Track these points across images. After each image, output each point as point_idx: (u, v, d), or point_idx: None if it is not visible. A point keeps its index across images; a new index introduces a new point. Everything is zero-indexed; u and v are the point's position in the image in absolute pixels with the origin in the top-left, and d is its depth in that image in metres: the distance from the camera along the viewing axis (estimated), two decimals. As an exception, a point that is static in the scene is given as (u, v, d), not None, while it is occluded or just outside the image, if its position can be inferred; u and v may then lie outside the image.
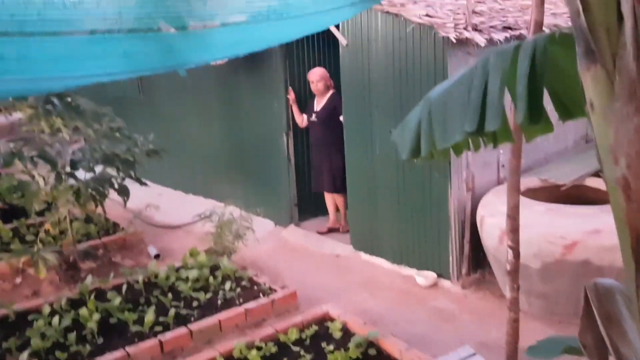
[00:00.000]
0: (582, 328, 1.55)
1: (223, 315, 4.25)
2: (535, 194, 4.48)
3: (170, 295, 4.57)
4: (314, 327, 4.00)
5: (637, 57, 1.14)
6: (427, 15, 4.56)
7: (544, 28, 2.69)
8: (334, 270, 5.33)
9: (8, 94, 3.74)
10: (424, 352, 3.63)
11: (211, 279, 4.79)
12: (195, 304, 4.47)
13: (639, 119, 1.15)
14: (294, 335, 3.88)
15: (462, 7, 4.79)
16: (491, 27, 4.60)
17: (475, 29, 4.45)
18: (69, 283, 5.13)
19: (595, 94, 1.21)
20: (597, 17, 1.17)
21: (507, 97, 1.53)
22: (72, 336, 4.00)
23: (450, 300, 4.60)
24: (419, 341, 3.93)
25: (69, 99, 4.92)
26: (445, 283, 4.79)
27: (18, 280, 5.33)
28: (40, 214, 5.88)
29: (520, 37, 4.62)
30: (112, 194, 5.18)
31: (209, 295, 4.58)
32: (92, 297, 4.45)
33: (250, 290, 4.65)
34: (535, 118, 1.41)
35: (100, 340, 4.02)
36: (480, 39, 4.32)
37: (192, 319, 4.24)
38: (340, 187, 5.82)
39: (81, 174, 5.06)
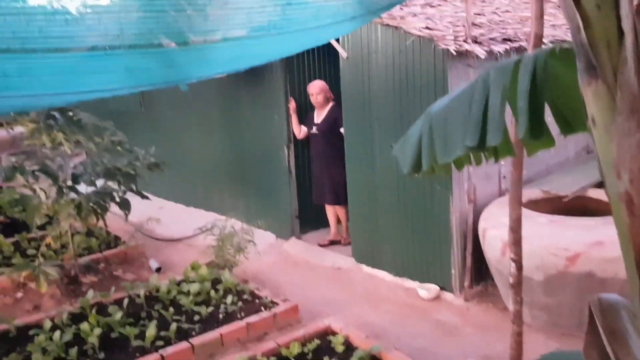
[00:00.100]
0: (587, 344, 1.54)
1: (225, 329, 4.22)
2: (537, 205, 4.47)
3: (171, 309, 4.55)
4: (316, 341, 3.97)
5: (638, 73, 1.14)
6: (426, 27, 4.58)
7: (543, 40, 2.70)
8: (335, 283, 5.31)
9: (10, 109, 3.76)
10: (427, 366, 3.61)
11: (213, 292, 4.77)
12: (196, 317, 4.45)
13: (641, 134, 1.15)
14: (296, 349, 3.85)
15: (461, 20, 4.81)
16: (491, 39, 4.62)
17: (475, 41, 4.46)
18: (70, 297, 5.11)
19: (597, 109, 1.21)
20: (597, 32, 1.17)
21: (508, 111, 1.53)
22: (74, 351, 3.97)
23: (453, 313, 4.57)
24: (422, 355, 3.91)
25: (71, 113, 4.94)
26: (447, 296, 4.77)
27: (19, 294, 5.31)
28: (42, 227, 5.88)
29: (520, 49, 4.63)
30: (114, 207, 5.18)
31: (210, 309, 4.56)
32: (94, 311, 4.43)
33: (252, 303, 4.63)
34: (537, 133, 1.41)
35: (101, 355, 4.00)
36: (480, 51, 4.33)
37: (194, 333, 4.22)
38: (341, 199, 5.82)
39: (83, 187, 5.07)
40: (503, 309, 4.45)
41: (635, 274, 1.22)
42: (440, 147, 1.61)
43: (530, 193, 4.61)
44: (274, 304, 4.57)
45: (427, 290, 4.79)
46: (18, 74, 2.26)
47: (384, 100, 4.92)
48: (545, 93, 1.41)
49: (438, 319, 4.50)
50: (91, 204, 4.94)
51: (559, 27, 5.28)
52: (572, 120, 1.60)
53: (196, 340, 4.07)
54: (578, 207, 4.49)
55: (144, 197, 5.40)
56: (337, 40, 5.16)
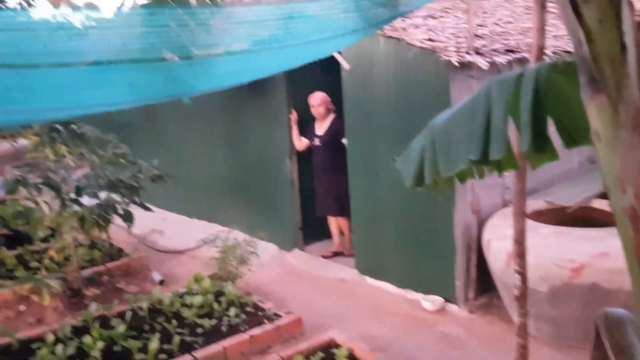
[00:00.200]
0: (593, 358, 1.53)
1: (228, 342, 4.20)
2: (541, 216, 4.45)
3: (174, 322, 4.52)
4: (320, 354, 3.94)
5: (641, 87, 1.14)
6: (429, 39, 4.59)
7: (545, 51, 2.71)
8: (339, 295, 5.28)
9: (14, 123, 3.78)
10: (432, 379, 3.58)
11: (216, 305, 4.75)
12: (199, 330, 4.43)
13: (645, 149, 1.14)
14: (299, 362, 3.83)
15: (463, 31, 4.83)
16: (493, 50, 4.62)
17: (477, 52, 4.47)
18: (73, 310, 5.09)
19: (601, 123, 1.21)
20: (600, 47, 1.17)
21: (511, 124, 1.52)
22: (76, 365, 3.96)
23: (457, 325, 4.54)
24: (427, 367, 3.88)
25: (74, 126, 4.96)
26: (452, 307, 4.74)
27: (22, 307, 5.30)
28: (45, 240, 5.87)
29: (522, 60, 4.63)
30: (117, 219, 5.18)
31: (213, 321, 4.54)
32: (96, 324, 4.42)
33: (255, 316, 4.61)
34: (540, 147, 1.40)
35: (104, 369, 3.99)
36: (482, 62, 4.34)
37: (197, 346, 4.20)
38: (344, 211, 5.81)
39: (86, 200, 5.07)
40: (508, 320, 4.42)
41: (641, 289, 1.21)
42: (443, 161, 1.61)
43: (534, 204, 4.59)
44: (278, 316, 4.55)
45: (432, 302, 4.76)
46: (22, 89, 2.27)
47: (386, 111, 4.92)
48: (548, 107, 1.40)
49: (443, 331, 4.47)
50: (94, 217, 4.94)
51: (560, 38, 5.28)
52: (576, 133, 1.60)
53: (199, 354, 4.05)
54: (582, 217, 4.47)
55: (147, 209, 5.40)
56: (340, 52, 5.17)
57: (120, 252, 6.28)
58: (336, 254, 6.09)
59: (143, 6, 2.72)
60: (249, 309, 4.71)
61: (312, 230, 6.36)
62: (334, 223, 6.09)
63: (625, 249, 1.27)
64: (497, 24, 5.60)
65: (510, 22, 5.80)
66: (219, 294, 4.94)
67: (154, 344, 4.11)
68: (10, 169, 9.28)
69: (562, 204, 4.60)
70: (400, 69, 4.74)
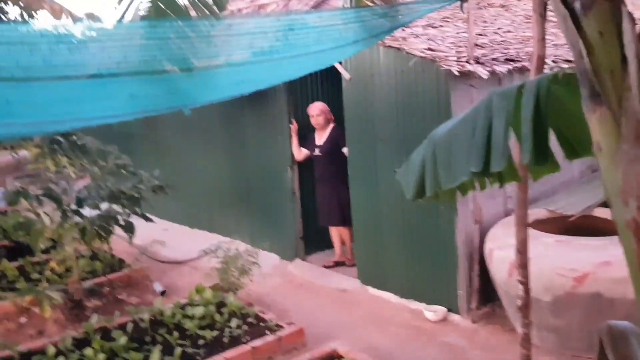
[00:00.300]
0: (598, 372, 1.51)
1: (229, 353, 4.17)
2: (543, 225, 4.44)
3: (176, 333, 4.50)
4: (322, 365, 3.93)
5: (643, 99, 1.14)
6: (429, 48, 4.60)
7: (546, 60, 2.71)
8: (341, 306, 5.26)
9: (14, 136, 3.78)
10: (435, 390, 3.55)
11: (217, 316, 4.73)
12: (201, 342, 4.40)
13: (647, 161, 1.13)
14: (301, 374, 3.81)
15: (463, 40, 4.83)
16: (493, 59, 4.63)
17: (478, 61, 4.47)
18: (74, 322, 5.07)
19: (602, 135, 1.20)
20: (600, 59, 1.17)
21: (512, 135, 1.52)
22: (77, 378, 3.94)
23: (460, 335, 4.51)
24: (430, 378, 3.85)
25: (75, 138, 4.96)
26: (455, 317, 4.71)
27: (23, 319, 5.28)
28: (46, 251, 5.86)
29: (522, 69, 4.64)
30: (118, 230, 5.17)
31: (215, 333, 4.51)
32: (98, 336, 4.40)
33: (257, 327, 4.59)
34: (542, 159, 1.40)
35: (105, 382, 3.96)
36: (482, 72, 4.34)
37: (199, 357, 4.17)
38: (346, 221, 5.80)
39: (87, 211, 5.06)
40: (511, 330, 4.39)
41: (645, 302, 1.20)
42: (444, 173, 1.60)
43: (536, 213, 4.58)
44: (279, 327, 4.53)
45: (434, 312, 4.74)
46: (22, 102, 2.27)
47: (387, 121, 4.92)
48: (549, 118, 1.40)
49: (445, 341, 4.45)
50: (95, 228, 4.93)
51: (561, 47, 5.29)
52: (577, 145, 1.59)
53: (201, 366, 4.03)
54: (584, 226, 4.46)
55: (148, 219, 5.40)
56: (340, 62, 5.18)
57: (121, 263, 6.26)
58: (338, 264, 6.07)
59: (144, 18, 2.73)
60: (250, 319, 4.69)
61: (314, 240, 6.34)
62: (336, 233, 6.08)
63: (628, 262, 1.26)
64: (497, 33, 5.61)
65: (510, 31, 5.81)
66: (220, 305, 4.92)
67: (155, 355, 4.08)
68: (11, 180, 9.30)
69: (564, 213, 4.58)
70: (400, 79, 4.75)
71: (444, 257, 4.69)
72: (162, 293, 5.71)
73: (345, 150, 5.57)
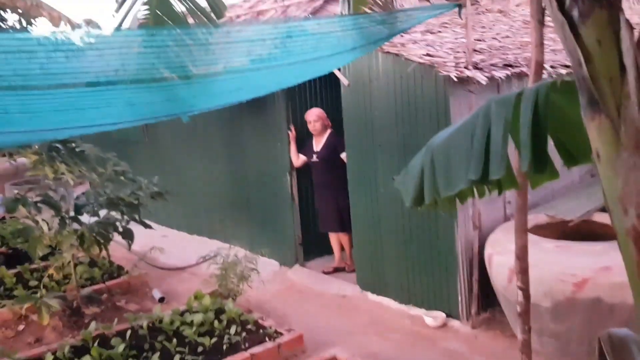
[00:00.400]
0: (598, 380, 1.50)
1: (228, 360, 4.16)
2: (543, 230, 4.43)
3: (175, 340, 4.48)
4: (322, 372, 3.91)
5: (641, 107, 1.13)
6: (427, 54, 4.60)
7: (544, 65, 2.71)
8: (340, 312, 5.25)
9: (12, 144, 3.77)
10: (435, 397, 3.53)
11: (216, 322, 4.71)
12: (200, 349, 4.38)
13: (647, 169, 1.13)
14: (301, 381, 3.79)
15: (462, 46, 4.84)
16: (492, 65, 4.63)
17: (476, 67, 4.48)
18: (73, 329, 5.05)
19: (601, 143, 1.20)
20: (599, 67, 1.16)
21: (510, 143, 1.51)
22: (75, 386, 3.92)
23: (460, 341, 4.50)
24: (430, 385, 3.84)
25: (73, 145, 4.95)
26: (454, 323, 4.70)
27: (21, 327, 5.26)
28: (44, 258, 5.84)
29: (521, 74, 4.64)
30: (117, 237, 5.16)
31: (214, 339, 4.49)
32: (96, 343, 4.38)
33: (256, 334, 4.57)
34: (540, 166, 1.39)
35: (103, 390, 3.94)
36: (481, 77, 4.34)
37: (197, 365, 4.16)
38: (345, 226, 5.79)
39: (85, 218, 5.05)
40: (511, 335, 4.38)
41: (646, 311, 1.19)
42: (442, 181, 1.60)
43: (535, 218, 4.57)
44: (279, 334, 4.51)
45: (434, 317, 4.73)
46: (20, 110, 2.26)
47: (386, 127, 4.92)
48: (548, 126, 1.39)
49: (445, 347, 4.43)
50: (94, 235, 4.92)
51: (559, 52, 5.30)
52: (576, 152, 1.59)
53: (200, 373, 4.01)
54: (584, 231, 4.45)
55: (147, 226, 5.39)
56: (339, 68, 5.19)
57: (120, 270, 6.25)
58: (337, 270, 6.05)
59: (141, 26, 2.72)
60: (249, 326, 4.67)
61: (313, 246, 6.33)
62: (335, 238, 6.07)
63: (627, 269, 1.25)
64: (495, 39, 5.62)
65: (508, 37, 5.82)
66: (219, 312, 4.91)
67: (154, 363, 4.07)
68: (9, 187, 9.29)
69: (564, 218, 4.58)
70: (399, 85, 4.75)
71: (444, 262, 4.68)
72: (161, 300, 5.69)
73: (344, 155, 5.57)
